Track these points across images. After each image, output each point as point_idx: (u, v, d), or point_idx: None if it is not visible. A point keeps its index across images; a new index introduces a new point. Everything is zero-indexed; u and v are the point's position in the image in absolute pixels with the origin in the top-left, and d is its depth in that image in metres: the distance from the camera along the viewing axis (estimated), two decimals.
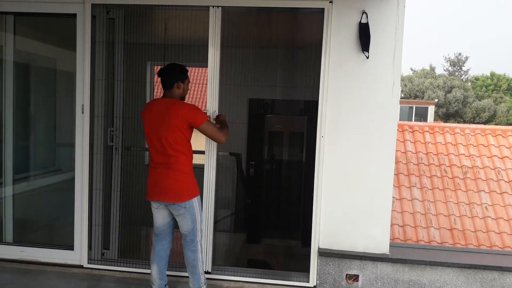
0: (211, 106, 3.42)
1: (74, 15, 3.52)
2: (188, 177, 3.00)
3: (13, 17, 3.83)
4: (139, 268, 3.56)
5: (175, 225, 3.13)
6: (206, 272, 3.48)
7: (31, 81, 4.31)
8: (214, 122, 3.33)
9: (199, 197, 3.08)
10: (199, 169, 3.60)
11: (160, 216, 3.08)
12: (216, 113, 3.40)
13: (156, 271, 3.11)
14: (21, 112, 4.08)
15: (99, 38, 3.56)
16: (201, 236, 3.12)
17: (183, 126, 2.92)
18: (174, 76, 3.01)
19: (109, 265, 3.60)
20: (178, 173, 2.96)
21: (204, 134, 3.09)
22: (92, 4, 3.46)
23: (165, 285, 3.16)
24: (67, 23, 3.62)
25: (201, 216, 3.10)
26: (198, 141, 3.51)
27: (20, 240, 3.92)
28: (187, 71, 3.11)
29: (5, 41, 3.85)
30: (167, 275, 3.21)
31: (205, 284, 3.14)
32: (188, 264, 3.09)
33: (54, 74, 4.44)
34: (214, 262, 3.51)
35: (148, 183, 3.06)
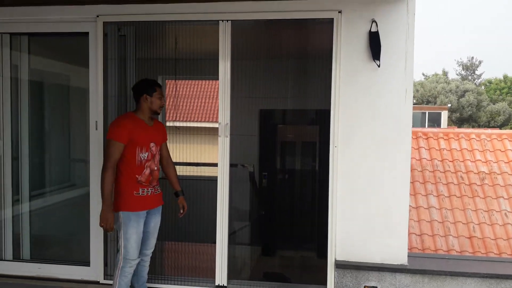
0: (223, 118, 3.42)
1: (87, 34, 3.58)
2: (121, 188, 2.96)
3: (27, 38, 3.92)
4: (153, 283, 3.55)
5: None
6: (221, 286, 3.45)
7: (45, 98, 4.39)
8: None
9: (129, 214, 2.95)
10: (211, 181, 3.60)
11: None
12: (228, 125, 3.40)
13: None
14: (36, 129, 4.15)
15: (111, 55, 3.61)
16: (124, 260, 2.97)
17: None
18: (138, 91, 3.05)
19: None
20: (115, 182, 2.96)
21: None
22: (104, 22, 3.52)
23: None
24: (79, 41, 3.69)
25: (128, 236, 2.94)
26: (212, 153, 3.51)
27: (37, 256, 3.95)
28: (154, 84, 3.07)
29: (20, 60, 3.93)
30: None
31: None
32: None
33: (68, 91, 4.52)
34: (229, 276, 3.48)
35: None
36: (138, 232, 2.99)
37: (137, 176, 2.98)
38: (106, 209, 2.87)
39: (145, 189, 3.01)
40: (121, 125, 2.95)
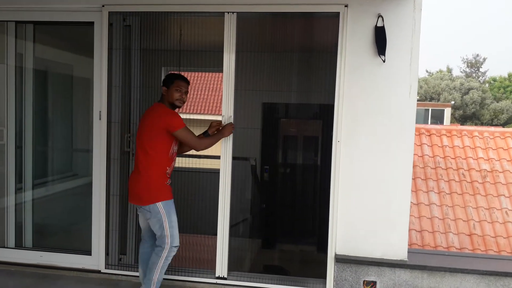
0: (226, 111, 3.42)
1: (92, 23, 3.57)
2: (153, 181, 2.98)
3: (32, 26, 3.92)
4: None
5: None
6: (221, 278, 3.47)
7: (49, 87, 4.39)
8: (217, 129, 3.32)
9: (167, 202, 3.01)
10: (213, 173, 3.61)
11: (140, 219, 3.17)
12: (232, 118, 3.40)
13: (141, 274, 3.20)
14: (40, 118, 4.16)
15: (115, 45, 3.60)
16: (172, 246, 3.01)
17: (157, 130, 2.96)
18: (162, 83, 3.13)
19: (126, 270, 3.63)
20: (143, 177, 2.99)
21: (180, 140, 3.06)
22: (109, 12, 3.52)
23: None
24: (84, 30, 3.68)
25: (171, 222, 3.00)
26: (214, 145, 3.52)
27: (39, 245, 3.98)
28: (175, 78, 3.10)
29: (25, 49, 3.93)
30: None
31: None
32: (148, 264, 3.08)
33: (71, 81, 4.52)
34: (229, 268, 3.50)
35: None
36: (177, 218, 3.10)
37: (167, 167, 3.05)
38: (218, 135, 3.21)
39: (168, 180, 3.10)
40: (175, 113, 3.04)
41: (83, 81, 4.18)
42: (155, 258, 3.02)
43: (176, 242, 3.04)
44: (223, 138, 3.36)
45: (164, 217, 2.98)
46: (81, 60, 4.23)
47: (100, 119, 3.59)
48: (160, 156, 2.99)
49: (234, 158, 3.49)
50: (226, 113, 3.41)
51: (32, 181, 4.07)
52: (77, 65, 4.41)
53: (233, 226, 4.86)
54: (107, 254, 3.64)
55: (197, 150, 3.22)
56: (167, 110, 3.03)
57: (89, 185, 3.67)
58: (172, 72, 3.18)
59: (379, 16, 3.19)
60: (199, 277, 3.52)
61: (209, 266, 3.55)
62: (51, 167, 4.48)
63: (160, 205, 2.98)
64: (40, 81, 4.17)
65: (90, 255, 3.67)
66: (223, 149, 3.43)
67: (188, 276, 3.51)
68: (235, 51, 3.38)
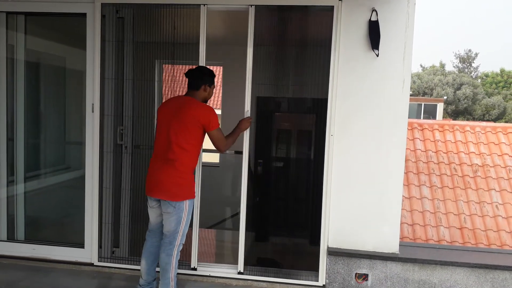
0: (246, 104, 3.43)
1: (84, 15, 3.54)
2: (186, 177, 2.94)
3: (24, 17, 3.87)
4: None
5: None
6: (240, 273, 3.50)
7: (41, 80, 4.35)
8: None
9: (192, 200, 3.01)
10: (208, 167, 3.61)
11: (153, 214, 3.06)
12: (248, 112, 3.36)
13: (144, 266, 3.09)
14: (31, 110, 4.13)
15: (108, 37, 3.57)
16: (181, 243, 3.01)
17: (195, 126, 2.90)
18: (203, 79, 3.02)
19: (119, 263, 3.63)
20: (177, 172, 2.90)
21: (211, 139, 3.02)
22: (102, 3, 3.48)
23: (153, 280, 3.13)
24: (77, 22, 3.64)
25: (187, 221, 2.99)
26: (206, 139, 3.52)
27: (31, 237, 3.97)
28: (215, 76, 3.12)
29: (16, 40, 3.89)
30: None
31: None
32: (160, 266, 2.99)
33: (64, 73, 4.48)
34: (175, 267, 3.49)
35: (147, 177, 3.02)
36: None
37: (195, 167, 3.06)
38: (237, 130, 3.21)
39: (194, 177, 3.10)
40: (215, 112, 3.00)
41: (76, 74, 4.14)
42: (167, 258, 2.95)
43: (184, 239, 3.04)
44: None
45: (185, 215, 2.95)
46: (74, 52, 4.18)
47: (93, 111, 3.57)
48: (195, 152, 2.95)
49: (236, 152, 3.48)
50: (247, 107, 3.39)
51: (24, 173, 4.04)
52: (70, 58, 4.37)
53: (226, 220, 4.87)
54: (100, 247, 3.64)
55: (222, 152, 3.17)
56: (208, 107, 2.98)
57: (82, 178, 3.66)
58: (207, 68, 3.12)
59: (373, 10, 3.19)
60: (190, 270, 3.53)
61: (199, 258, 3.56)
62: (44, 160, 4.45)
63: (187, 203, 2.95)
64: (32, 73, 4.12)
65: (83, 248, 3.67)
66: (244, 147, 3.45)
67: (181, 268, 3.52)
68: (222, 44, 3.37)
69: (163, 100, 4.44)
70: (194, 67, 3.17)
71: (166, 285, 2.96)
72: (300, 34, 5.39)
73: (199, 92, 3.01)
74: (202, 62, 3.38)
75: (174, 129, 2.89)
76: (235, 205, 5.26)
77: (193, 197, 3.02)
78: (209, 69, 3.09)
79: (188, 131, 2.89)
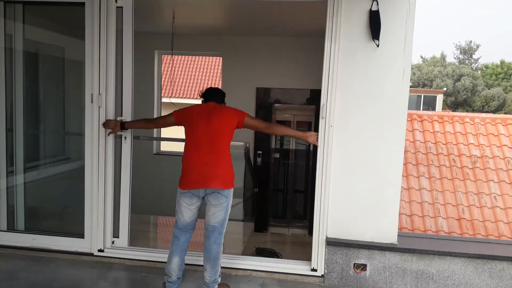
0: (324, 99, 3.37)
1: (83, 4, 3.50)
2: (229, 164, 3.07)
3: (22, 6, 3.83)
4: (148, 256, 3.60)
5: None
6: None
7: (40, 70, 4.33)
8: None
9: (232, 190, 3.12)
10: None
11: (190, 212, 3.06)
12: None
13: (177, 262, 3.06)
14: (31, 101, 4.11)
15: (107, 26, 3.54)
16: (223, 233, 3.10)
17: (232, 124, 3.05)
18: (223, 99, 3.20)
19: (119, 253, 3.65)
20: (223, 158, 3.02)
21: (251, 126, 3.15)
22: None
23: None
24: (75, 11, 3.61)
25: (229, 211, 3.09)
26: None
27: (31, 227, 3.98)
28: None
29: (14, 30, 3.86)
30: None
31: (220, 276, 3.12)
32: (211, 257, 3.02)
33: (63, 63, 4.46)
34: (222, 251, 3.53)
35: (189, 172, 3.03)
36: None
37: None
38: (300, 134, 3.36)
39: None
40: None
41: (76, 64, 4.11)
42: (218, 248, 3.03)
43: None
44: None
45: (230, 202, 3.07)
46: (73, 43, 4.16)
47: (92, 101, 3.55)
48: (229, 145, 3.08)
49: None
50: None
51: (23, 164, 4.04)
52: (69, 48, 4.34)
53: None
54: (100, 236, 3.64)
55: (268, 132, 3.37)
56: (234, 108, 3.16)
57: (82, 168, 3.65)
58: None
59: (374, 0, 3.17)
60: (198, 260, 3.55)
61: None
62: (43, 151, 4.44)
63: (232, 190, 3.07)
64: (30, 63, 4.10)
65: (83, 238, 3.68)
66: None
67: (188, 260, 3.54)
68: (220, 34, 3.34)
69: (162, 92, 4.43)
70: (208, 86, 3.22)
71: (216, 272, 3.05)
72: (302, 24, 5.34)
73: (221, 101, 3.19)
74: (327, 58, 3.34)
75: (217, 128, 3.01)
76: (237, 196, 5.28)
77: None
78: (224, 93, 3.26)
79: (227, 129, 3.04)
